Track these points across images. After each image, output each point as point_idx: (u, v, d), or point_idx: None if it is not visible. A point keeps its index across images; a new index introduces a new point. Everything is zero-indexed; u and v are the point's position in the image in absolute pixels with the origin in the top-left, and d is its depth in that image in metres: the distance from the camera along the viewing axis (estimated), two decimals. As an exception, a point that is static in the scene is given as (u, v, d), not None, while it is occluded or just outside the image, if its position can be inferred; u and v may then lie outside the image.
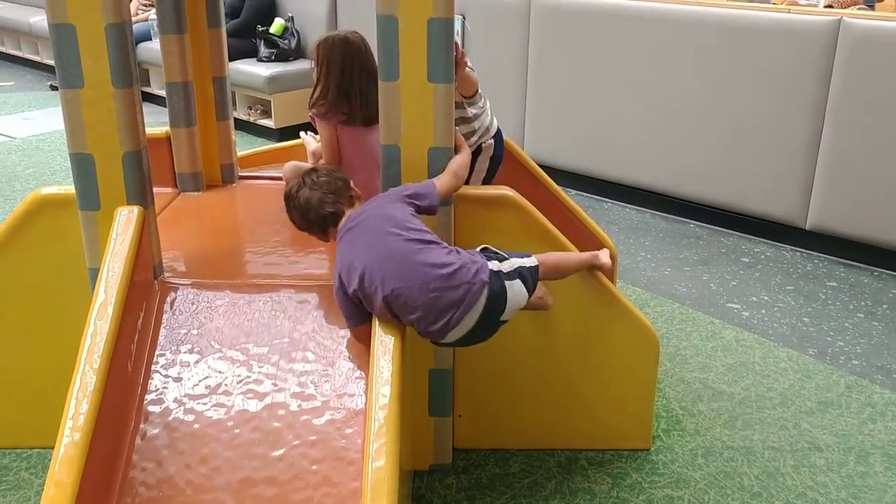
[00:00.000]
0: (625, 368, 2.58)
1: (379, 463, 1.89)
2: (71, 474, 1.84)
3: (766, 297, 3.75)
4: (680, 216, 4.74)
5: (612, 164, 4.94)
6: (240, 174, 3.29)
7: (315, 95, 2.68)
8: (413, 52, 2.17)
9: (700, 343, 3.34)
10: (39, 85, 8.21)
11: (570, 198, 3.39)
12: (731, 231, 4.51)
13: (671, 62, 4.51)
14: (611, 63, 4.77)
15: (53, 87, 7.96)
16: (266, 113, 6.35)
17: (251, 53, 6.42)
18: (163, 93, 3.09)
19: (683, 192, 4.66)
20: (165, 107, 3.01)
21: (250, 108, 6.43)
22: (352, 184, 2.29)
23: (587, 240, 3.15)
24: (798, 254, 4.24)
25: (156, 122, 3.50)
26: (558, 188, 3.38)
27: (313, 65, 2.74)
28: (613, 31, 4.72)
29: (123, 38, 2.17)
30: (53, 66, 2.11)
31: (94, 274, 2.26)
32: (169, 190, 3.07)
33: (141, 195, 2.30)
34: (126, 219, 2.26)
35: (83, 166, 2.24)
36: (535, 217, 2.47)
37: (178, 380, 2.19)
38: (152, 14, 6.98)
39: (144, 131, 2.32)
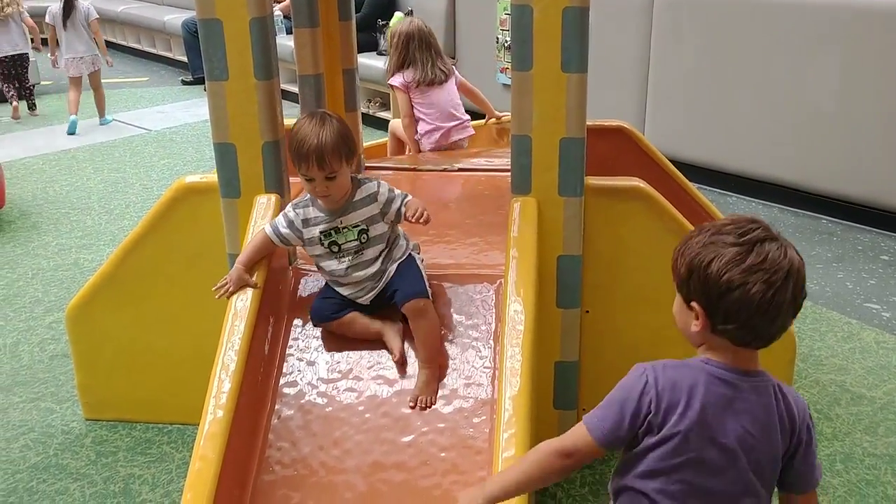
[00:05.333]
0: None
1: (509, 453, 1.89)
2: (215, 449, 1.92)
3: (907, 298, 3.56)
4: (811, 211, 4.53)
5: (737, 157, 4.78)
6: (365, 165, 3.35)
7: (390, 68, 3.70)
8: (547, 42, 2.15)
9: (836, 344, 3.19)
10: (172, 80, 8.62)
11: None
12: (868, 227, 4.28)
13: (803, 52, 4.32)
14: (736, 53, 4.60)
15: (185, 82, 8.33)
16: (385, 105, 6.45)
17: (371, 47, 6.53)
18: (285, 87, 3.18)
19: (815, 186, 4.46)
20: (288, 100, 3.09)
21: (369, 101, 6.55)
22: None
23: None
24: (943, 252, 4.00)
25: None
26: (685, 180, 3.29)
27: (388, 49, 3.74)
28: (741, 21, 4.55)
29: (265, 32, 2.25)
30: (185, 62, 2.21)
31: (234, 259, 2.35)
32: (299, 180, 3.16)
33: (278, 184, 2.37)
34: (265, 206, 2.34)
35: (226, 155, 2.33)
36: (667, 210, 2.41)
37: (311, 363, 2.25)
38: (277, 10, 7.19)
39: (283, 122, 2.39)
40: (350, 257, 2.17)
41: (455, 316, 2.30)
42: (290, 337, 2.30)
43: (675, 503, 1.37)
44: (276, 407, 2.19)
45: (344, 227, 2.15)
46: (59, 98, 7.86)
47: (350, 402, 2.17)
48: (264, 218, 2.31)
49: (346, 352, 2.26)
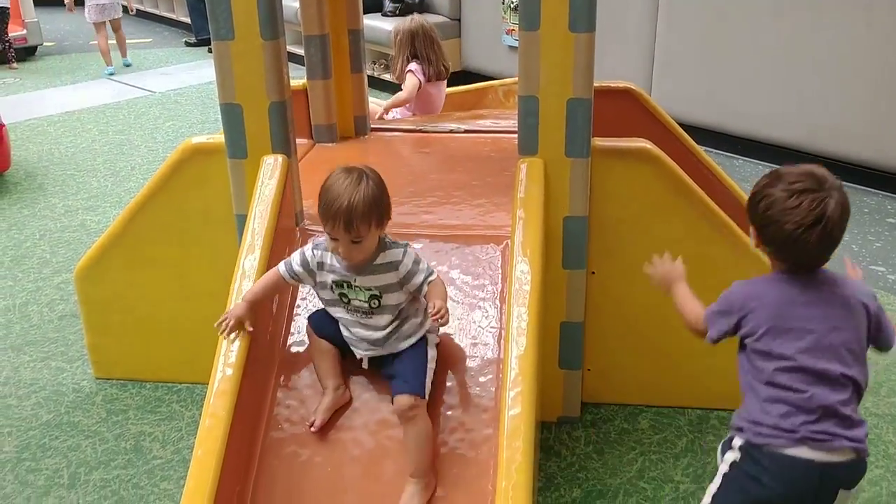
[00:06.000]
0: (763, 328, 2.50)
1: (514, 411, 1.92)
2: (225, 407, 1.95)
3: (913, 261, 3.56)
4: (818, 174, 4.51)
5: (744, 119, 4.75)
6: (371, 127, 3.34)
7: (396, 67, 3.88)
8: (555, 1, 2.13)
9: (840, 306, 3.20)
10: (175, 41, 8.56)
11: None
12: (874, 190, 4.27)
13: (812, 13, 4.27)
14: (744, 14, 4.56)
15: (189, 44, 8.27)
16: (388, 67, 6.40)
17: (376, 8, 6.47)
18: (290, 49, 3.16)
19: (821, 149, 4.44)
20: (293, 62, 3.08)
21: (374, 63, 6.50)
22: None
23: (724, 198, 3.06)
24: (950, 215, 3.99)
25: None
26: (693, 142, 3.28)
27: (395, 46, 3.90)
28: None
29: (271, -10, 2.23)
30: (189, 24, 2.20)
31: (241, 220, 2.36)
32: (305, 141, 3.16)
33: (285, 144, 2.37)
34: (272, 167, 2.34)
35: (232, 116, 2.32)
36: (674, 171, 2.41)
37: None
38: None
39: (289, 83, 2.38)
40: (359, 315, 2.03)
41: (461, 277, 2.31)
42: (298, 297, 2.32)
43: (787, 375, 1.68)
44: (285, 366, 2.21)
45: (357, 286, 1.99)
46: (61, 59, 7.82)
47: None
48: (271, 178, 2.32)
49: (354, 312, 2.27)
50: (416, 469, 1.92)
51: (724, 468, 1.75)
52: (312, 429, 2.02)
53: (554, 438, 2.52)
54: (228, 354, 2.05)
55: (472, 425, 2.07)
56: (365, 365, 2.08)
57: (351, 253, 1.92)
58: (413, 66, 3.82)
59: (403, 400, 1.93)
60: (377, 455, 2.05)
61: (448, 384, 2.13)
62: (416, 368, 1.99)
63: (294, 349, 2.23)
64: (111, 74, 7.21)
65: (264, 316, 2.20)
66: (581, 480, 2.34)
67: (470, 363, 2.17)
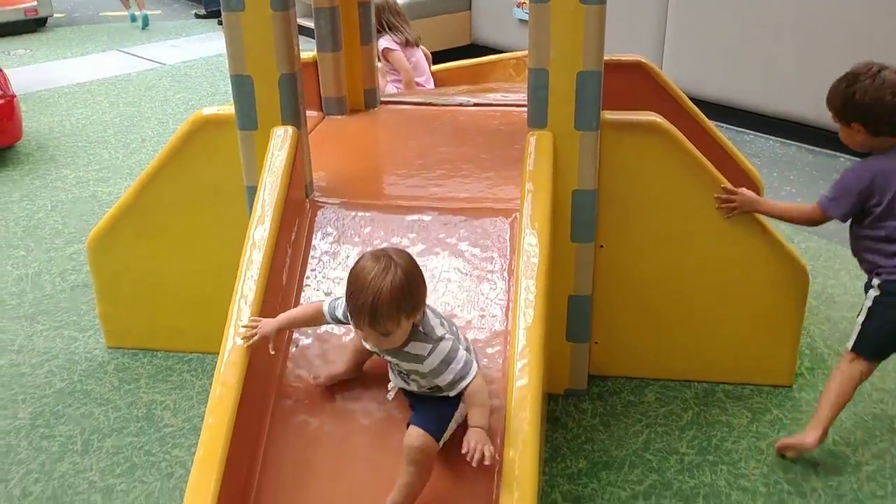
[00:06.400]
0: (770, 302, 2.51)
1: (522, 382, 1.94)
2: (235, 376, 1.97)
3: (923, 237, 3.54)
4: (830, 149, 4.49)
5: (756, 94, 4.72)
6: (381, 99, 3.34)
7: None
8: (566, -28, 2.12)
9: (849, 282, 3.20)
10: (185, 13, 8.53)
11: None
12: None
13: (830, -16, 4.22)
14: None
15: (198, 16, 8.25)
16: (399, 40, 6.37)
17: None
18: (300, 21, 3.15)
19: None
20: (303, 35, 3.07)
21: (384, 36, 6.46)
22: None
23: (733, 172, 3.05)
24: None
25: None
26: (703, 117, 3.27)
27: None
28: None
29: (281, -39, 2.22)
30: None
31: (251, 191, 2.38)
32: (315, 114, 3.16)
33: (295, 116, 2.38)
34: (282, 138, 2.35)
35: (242, 87, 2.33)
36: (684, 145, 2.40)
37: (328, 294, 2.29)
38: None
39: (299, 54, 2.38)
40: (395, 368, 1.92)
41: (470, 249, 2.32)
42: (308, 268, 2.33)
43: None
44: (294, 336, 2.23)
45: (390, 360, 1.89)
46: (71, 31, 7.82)
47: (366, 333, 2.21)
48: (281, 150, 2.33)
49: (363, 283, 2.29)
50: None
51: (868, 303, 2.26)
52: (312, 379, 2.04)
53: (561, 410, 2.54)
54: (239, 324, 2.07)
55: (479, 396, 2.09)
56: (390, 396, 1.98)
57: (380, 343, 1.78)
58: (385, 42, 3.85)
59: (416, 434, 1.79)
60: (386, 425, 2.07)
61: (456, 355, 2.15)
62: (440, 415, 1.85)
63: (304, 320, 2.24)
64: (133, 21, 7.56)
65: (275, 288, 2.21)
66: (587, 452, 2.37)
67: (478, 335, 2.18)
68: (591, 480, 2.26)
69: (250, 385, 2.02)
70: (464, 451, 1.75)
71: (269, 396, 2.13)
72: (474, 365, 1.84)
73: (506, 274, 2.27)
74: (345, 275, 2.29)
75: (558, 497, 2.20)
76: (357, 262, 1.79)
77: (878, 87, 2.17)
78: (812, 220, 2.36)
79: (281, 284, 2.25)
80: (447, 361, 1.80)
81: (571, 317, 2.50)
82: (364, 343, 1.88)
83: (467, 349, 1.91)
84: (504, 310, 2.21)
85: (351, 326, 1.88)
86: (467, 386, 1.81)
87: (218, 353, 2.04)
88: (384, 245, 2.33)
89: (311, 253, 2.36)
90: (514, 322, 2.03)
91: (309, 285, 2.31)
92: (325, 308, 1.95)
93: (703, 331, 2.59)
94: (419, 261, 2.31)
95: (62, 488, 2.27)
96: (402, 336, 1.77)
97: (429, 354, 1.80)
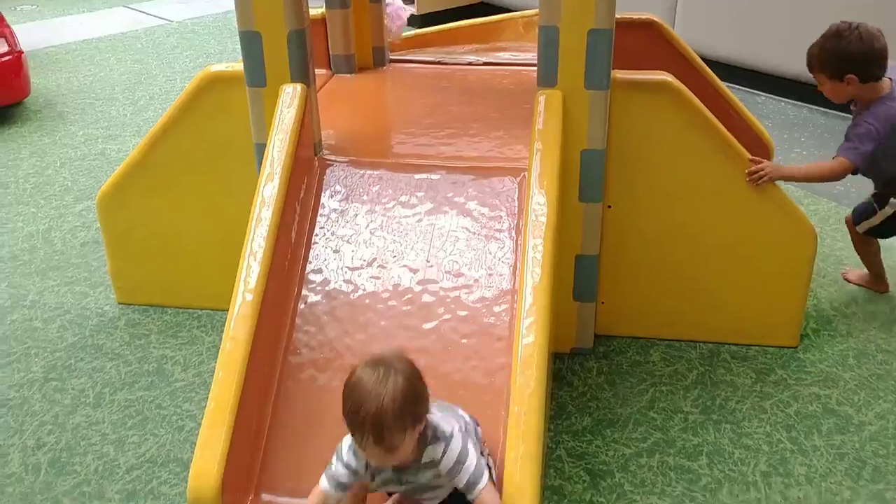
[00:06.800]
0: (778, 263, 2.51)
1: (528, 340, 1.95)
2: (245, 331, 2.00)
3: (933, 201, 3.53)
4: (841, 111, 4.44)
5: (768, 55, 4.67)
6: (390, 58, 3.32)
7: None
8: (578, -73, 2.09)
9: (857, 245, 3.19)
10: (192, -31, 8.45)
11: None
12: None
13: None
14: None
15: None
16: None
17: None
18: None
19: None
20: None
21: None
22: None
23: (744, 134, 3.04)
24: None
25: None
26: (715, 77, 3.24)
27: None
28: None
29: (290, -86, 2.20)
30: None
31: (260, 149, 2.38)
32: (323, 72, 3.15)
33: (304, 73, 2.37)
34: (290, 95, 2.34)
35: (251, 44, 2.32)
36: (695, 105, 2.39)
37: (336, 251, 2.30)
38: None
39: (308, 11, 2.37)
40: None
41: (478, 208, 2.33)
42: (317, 226, 2.34)
43: None
44: (303, 293, 2.25)
45: (409, 481, 1.74)
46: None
47: (374, 290, 2.23)
48: (290, 107, 2.32)
49: (371, 242, 2.31)
50: None
51: (889, 210, 2.69)
52: None
53: (566, 369, 2.56)
54: (248, 280, 2.09)
55: (486, 353, 2.11)
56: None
57: (386, 461, 1.63)
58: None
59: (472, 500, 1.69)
60: (393, 380, 2.10)
61: (462, 313, 2.17)
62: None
63: (312, 276, 2.26)
64: None
65: (284, 245, 2.23)
66: (592, 409, 2.40)
67: (485, 293, 2.20)
68: (596, 437, 2.29)
69: (260, 340, 2.04)
70: None
71: (278, 352, 2.15)
72: (486, 472, 1.69)
73: (514, 233, 2.27)
74: (353, 233, 2.33)
75: (563, 453, 2.24)
76: (353, 373, 1.62)
77: (865, 38, 2.43)
78: (837, 175, 2.50)
79: (290, 241, 2.27)
80: (462, 459, 1.67)
81: (578, 276, 2.51)
82: (363, 477, 1.72)
83: (482, 452, 1.79)
84: (511, 268, 2.22)
85: (351, 478, 1.72)
86: (479, 497, 1.68)
87: (227, 310, 2.07)
88: (399, 198, 2.34)
89: (320, 211, 2.37)
90: (521, 281, 2.04)
91: (317, 243, 2.32)
92: (326, 487, 1.73)
93: (710, 291, 2.60)
94: (427, 220, 2.35)
95: (75, 440, 2.31)
96: (408, 449, 1.62)
97: (443, 457, 1.67)
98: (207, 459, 1.85)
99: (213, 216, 2.70)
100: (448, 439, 1.67)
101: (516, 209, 2.30)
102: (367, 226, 2.33)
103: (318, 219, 2.36)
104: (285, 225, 2.23)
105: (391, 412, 1.54)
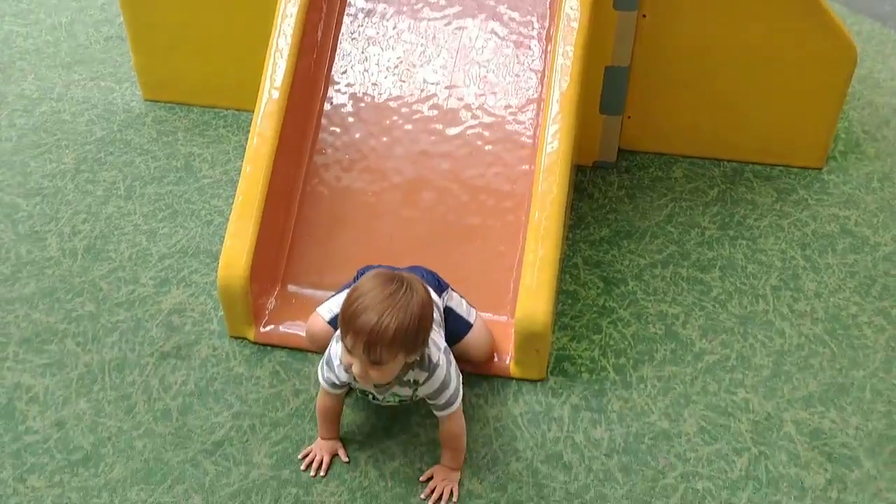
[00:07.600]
0: (813, 80, 2.44)
1: (552, 147, 1.96)
2: (272, 127, 2.02)
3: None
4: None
5: None
6: None
7: None
8: None
9: (898, 67, 3.10)
10: None
11: None
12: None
13: None
14: None
15: None
16: None
17: None
18: None
19: None
20: None
21: None
22: None
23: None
24: None
25: None
26: None
27: None
28: None
29: None
30: None
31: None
32: None
33: None
34: None
35: None
36: None
37: (363, 52, 2.27)
38: None
39: None
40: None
41: (508, 12, 2.26)
42: (343, 25, 2.30)
43: None
44: (329, 93, 2.25)
45: (380, 398, 1.74)
46: None
47: (400, 93, 2.22)
48: None
49: (399, 45, 2.26)
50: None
51: None
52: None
53: (588, 182, 2.58)
54: (274, 78, 2.09)
55: (509, 160, 2.13)
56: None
57: (367, 374, 1.55)
58: None
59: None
60: (416, 184, 2.14)
61: (488, 120, 2.16)
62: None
63: (338, 77, 2.25)
64: None
65: (310, 43, 2.20)
66: (610, 221, 2.43)
67: (512, 100, 2.18)
68: (612, 247, 2.34)
69: (286, 138, 2.07)
70: (429, 490, 1.71)
71: (304, 151, 2.18)
72: (460, 397, 1.70)
73: (543, 40, 2.22)
74: (380, 34, 2.29)
75: (580, 261, 2.30)
76: (368, 276, 1.56)
77: None
78: None
79: (316, 40, 2.23)
80: (442, 389, 1.67)
81: (607, 88, 2.46)
82: (341, 379, 1.69)
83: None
84: (539, 76, 2.19)
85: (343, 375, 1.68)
86: (449, 416, 1.70)
87: (253, 111, 2.07)
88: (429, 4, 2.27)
89: (347, 10, 2.31)
90: (548, 88, 2.02)
91: (343, 41, 2.28)
92: (326, 387, 1.72)
93: (740, 108, 2.55)
94: (456, 23, 2.28)
95: (109, 229, 2.40)
96: (393, 371, 1.58)
97: (425, 382, 1.66)
98: (236, 249, 1.92)
99: (239, 13, 2.63)
100: (434, 368, 1.65)
101: (548, 15, 2.24)
102: (395, 27, 2.28)
103: (345, 18, 2.30)
104: (311, 22, 2.19)
105: (390, 333, 1.49)
